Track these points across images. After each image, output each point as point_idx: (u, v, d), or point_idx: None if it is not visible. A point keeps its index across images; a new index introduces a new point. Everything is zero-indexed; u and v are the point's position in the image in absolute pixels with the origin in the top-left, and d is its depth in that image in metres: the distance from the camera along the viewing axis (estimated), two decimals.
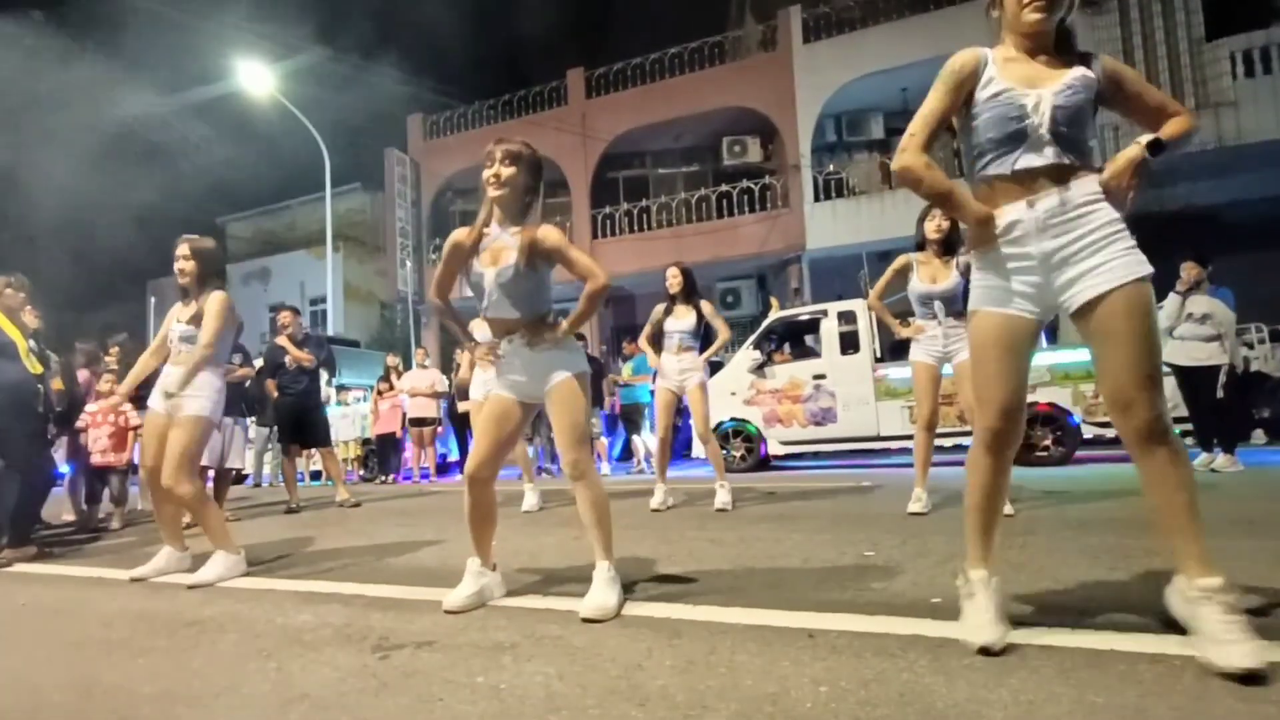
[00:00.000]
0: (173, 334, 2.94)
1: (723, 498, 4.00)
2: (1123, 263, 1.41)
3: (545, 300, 2.09)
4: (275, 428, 6.89)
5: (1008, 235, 1.50)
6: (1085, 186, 1.46)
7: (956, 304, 3.35)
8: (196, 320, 2.89)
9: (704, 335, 4.33)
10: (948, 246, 3.43)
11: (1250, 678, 1.22)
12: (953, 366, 3.46)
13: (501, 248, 2.03)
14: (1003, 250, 1.52)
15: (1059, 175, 1.47)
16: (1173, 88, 9.89)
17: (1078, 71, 1.48)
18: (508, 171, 2.00)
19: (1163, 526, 1.42)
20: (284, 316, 5.68)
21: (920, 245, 3.52)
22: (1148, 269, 1.42)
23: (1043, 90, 1.46)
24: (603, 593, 1.91)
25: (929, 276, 3.44)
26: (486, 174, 2.02)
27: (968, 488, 1.61)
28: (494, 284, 2.01)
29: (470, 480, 2.07)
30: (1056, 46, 1.53)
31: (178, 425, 2.79)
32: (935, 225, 3.43)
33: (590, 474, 2.03)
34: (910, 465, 3.66)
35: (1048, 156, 1.46)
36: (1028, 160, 1.47)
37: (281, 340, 5.65)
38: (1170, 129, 1.46)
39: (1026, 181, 1.48)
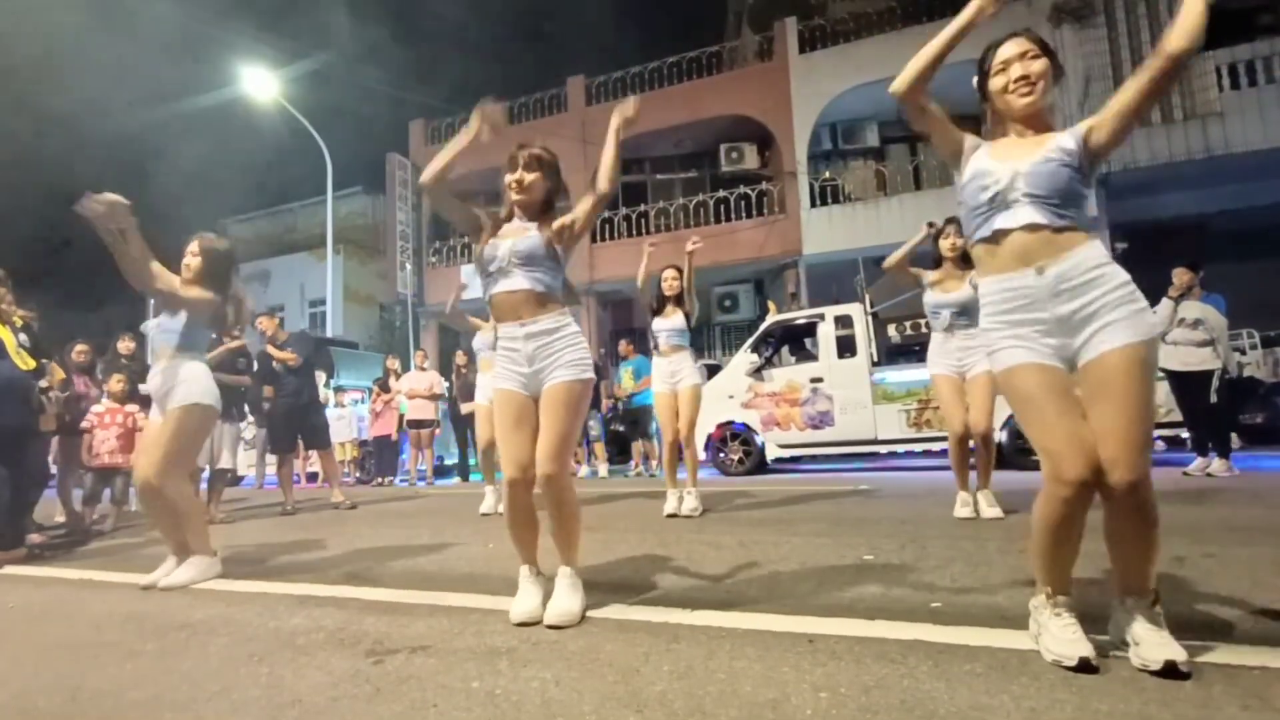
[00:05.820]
0: (149, 329, 2.87)
1: (690, 504, 3.97)
2: (1129, 324, 1.38)
3: (558, 285, 2.04)
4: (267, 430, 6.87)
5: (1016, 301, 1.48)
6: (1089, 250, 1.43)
7: (967, 315, 3.44)
8: (173, 308, 2.77)
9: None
10: (965, 259, 3.47)
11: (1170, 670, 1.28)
12: (965, 379, 3.51)
13: (524, 227, 2.02)
14: (1017, 316, 1.48)
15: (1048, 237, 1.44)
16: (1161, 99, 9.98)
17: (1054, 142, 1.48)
18: (530, 177, 2.00)
19: (1112, 555, 1.43)
20: (262, 323, 5.71)
21: (937, 262, 3.63)
22: (1152, 332, 1.40)
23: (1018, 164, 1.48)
24: (567, 598, 1.90)
25: (942, 288, 3.57)
26: (509, 179, 2.00)
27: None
28: (509, 252, 1.96)
29: (512, 484, 1.94)
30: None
31: (166, 418, 2.70)
32: (950, 244, 3.55)
33: (563, 487, 1.94)
34: (909, 469, 3.66)
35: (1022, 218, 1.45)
36: (1003, 221, 1.47)
37: (266, 347, 5.72)
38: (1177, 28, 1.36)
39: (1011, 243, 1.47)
